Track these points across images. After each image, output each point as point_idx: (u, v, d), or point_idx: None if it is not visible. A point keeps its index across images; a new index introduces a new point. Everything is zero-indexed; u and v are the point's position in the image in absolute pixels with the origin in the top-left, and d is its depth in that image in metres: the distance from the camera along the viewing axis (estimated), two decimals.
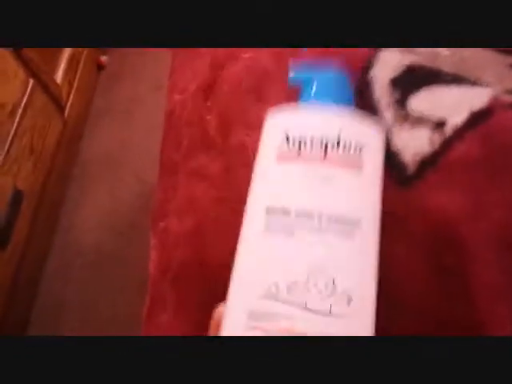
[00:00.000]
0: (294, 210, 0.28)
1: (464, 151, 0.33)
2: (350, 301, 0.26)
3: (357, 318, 0.26)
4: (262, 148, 0.32)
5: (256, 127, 0.38)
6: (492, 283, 0.30)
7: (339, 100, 0.32)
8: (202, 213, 0.38)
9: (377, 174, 0.30)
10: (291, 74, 0.35)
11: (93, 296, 0.96)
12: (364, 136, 0.30)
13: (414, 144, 0.34)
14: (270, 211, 0.28)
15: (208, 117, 0.40)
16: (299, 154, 0.29)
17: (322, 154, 0.29)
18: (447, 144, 0.34)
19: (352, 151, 0.29)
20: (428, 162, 0.34)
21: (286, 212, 0.28)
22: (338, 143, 0.29)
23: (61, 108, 1.06)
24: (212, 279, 0.35)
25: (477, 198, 0.32)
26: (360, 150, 0.30)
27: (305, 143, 0.29)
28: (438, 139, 0.34)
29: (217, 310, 0.27)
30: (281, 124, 0.31)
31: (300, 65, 0.35)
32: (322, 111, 0.31)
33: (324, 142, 0.29)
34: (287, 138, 0.30)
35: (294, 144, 0.30)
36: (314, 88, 0.33)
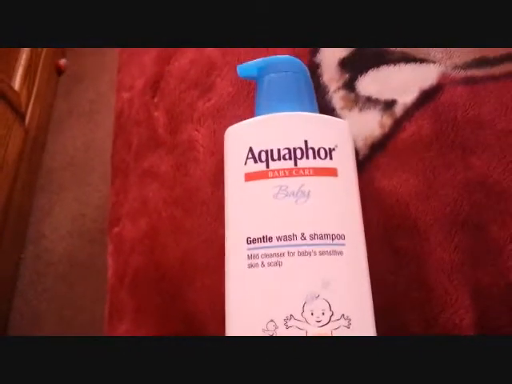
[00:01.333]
0: (276, 236, 0.27)
1: (414, 131, 0.33)
2: (349, 323, 0.25)
3: None
4: (228, 167, 0.30)
5: (204, 121, 0.37)
6: (445, 262, 0.30)
7: (299, 100, 0.31)
8: (155, 215, 0.36)
9: (352, 176, 0.29)
10: (240, 72, 0.33)
11: (68, 307, 0.94)
12: (332, 138, 0.29)
13: (365, 128, 0.34)
14: (251, 242, 0.27)
15: (156, 113, 0.39)
16: (268, 169, 0.28)
17: (292, 165, 0.28)
18: (397, 125, 0.33)
19: (322, 157, 0.28)
20: (379, 145, 0.33)
21: (267, 239, 0.27)
22: (307, 151, 0.28)
23: (21, 116, 1.03)
24: (169, 281, 0.34)
25: (427, 178, 0.31)
26: (330, 154, 0.28)
27: (272, 156, 0.28)
28: (387, 121, 0.33)
29: None
30: (243, 139, 0.29)
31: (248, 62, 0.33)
32: (284, 119, 0.29)
33: (292, 152, 0.28)
34: (252, 154, 0.28)
35: (260, 159, 0.28)
36: (270, 92, 0.31)
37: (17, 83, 1.04)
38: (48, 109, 1.13)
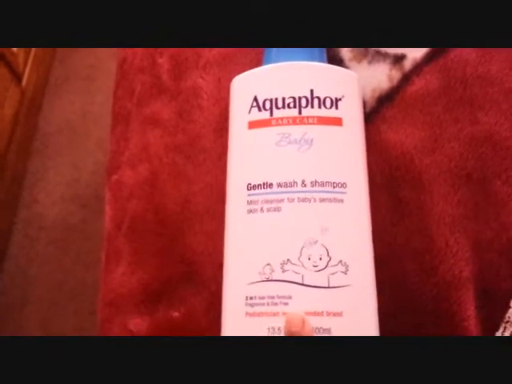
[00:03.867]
0: (276, 183, 0.26)
1: (423, 85, 0.32)
2: (347, 270, 0.25)
3: (357, 287, 0.25)
4: (232, 116, 0.30)
5: (209, 68, 0.36)
6: (447, 214, 0.30)
7: (308, 50, 0.30)
8: (156, 161, 0.36)
9: (358, 126, 0.29)
10: None
11: (59, 272, 0.94)
12: (338, 88, 0.28)
13: (373, 80, 0.33)
14: (251, 188, 0.27)
15: (160, 60, 0.38)
16: (272, 117, 0.28)
17: (297, 113, 0.27)
18: (406, 79, 0.33)
19: (328, 106, 0.28)
20: (386, 98, 0.33)
21: (268, 186, 0.27)
22: (312, 100, 0.28)
23: (17, 77, 1.01)
24: (168, 226, 0.34)
25: (433, 132, 0.31)
26: (336, 104, 0.28)
27: (276, 105, 0.28)
28: (396, 74, 0.33)
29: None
30: (248, 88, 0.29)
31: None
32: (291, 68, 0.29)
33: (297, 100, 0.28)
34: (257, 102, 0.28)
35: (264, 107, 0.28)
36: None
37: None
38: (45, 72, 1.12)
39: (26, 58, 1.04)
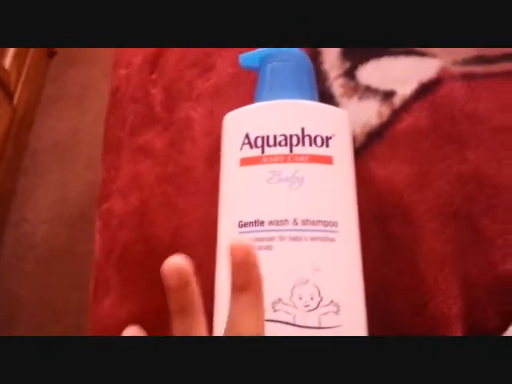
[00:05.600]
0: (268, 221, 0.26)
1: (412, 122, 0.33)
2: (338, 310, 0.25)
3: (348, 328, 0.25)
4: (224, 152, 0.30)
5: (202, 100, 0.37)
6: (436, 251, 0.30)
7: (299, 88, 0.31)
8: (147, 191, 0.36)
9: (348, 165, 0.29)
10: (242, 61, 0.33)
11: (47, 292, 0.93)
12: (329, 127, 0.29)
13: (363, 116, 0.34)
14: (242, 225, 0.27)
15: (153, 90, 0.38)
16: (263, 155, 0.28)
17: (288, 151, 0.28)
18: (395, 115, 0.33)
19: (319, 145, 0.28)
20: (376, 134, 0.33)
21: (259, 223, 0.27)
22: (303, 138, 0.28)
23: (9, 95, 1.01)
24: (157, 257, 0.34)
25: (422, 169, 0.32)
26: (327, 142, 0.28)
27: (268, 142, 0.28)
28: (386, 111, 0.34)
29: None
30: (240, 125, 0.29)
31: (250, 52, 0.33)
32: (282, 106, 0.29)
33: (288, 138, 0.28)
34: (248, 139, 0.28)
35: (256, 145, 0.28)
36: (271, 80, 0.31)
37: (7, 62, 1.02)
38: (37, 90, 1.12)
39: (18, 76, 1.05)
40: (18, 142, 1.04)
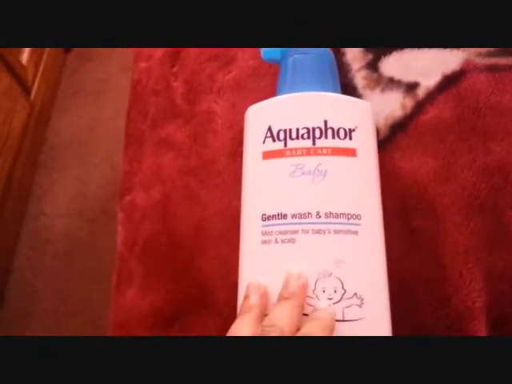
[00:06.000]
0: (291, 214, 0.27)
1: (436, 114, 0.33)
2: (362, 303, 0.25)
3: (372, 320, 0.25)
4: (246, 145, 0.30)
5: (223, 93, 0.37)
6: (461, 244, 0.30)
7: (322, 80, 0.30)
8: (170, 183, 0.36)
9: (372, 157, 0.29)
10: (264, 54, 0.33)
11: (65, 285, 0.94)
12: (352, 119, 0.29)
13: (386, 108, 0.34)
14: (266, 219, 0.27)
15: (174, 83, 0.39)
16: (286, 148, 0.28)
17: (311, 144, 0.27)
18: (419, 107, 0.33)
19: (342, 137, 0.28)
20: (399, 126, 0.33)
21: (282, 217, 0.27)
22: (326, 131, 0.28)
23: (27, 90, 1.02)
24: (180, 249, 0.34)
25: (447, 161, 0.31)
26: (350, 134, 0.28)
27: (290, 135, 0.28)
28: (409, 103, 0.33)
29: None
30: (263, 118, 0.29)
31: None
32: (304, 99, 0.29)
33: (311, 131, 0.28)
34: (271, 133, 0.28)
35: (279, 138, 0.28)
36: (293, 73, 0.31)
37: (24, 57, 1.03)
38: (54, 85, 1.13)
39: (35, 72, 1.05)
40: (35, 136, 1.05)
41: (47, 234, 0.99)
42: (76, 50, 1.16)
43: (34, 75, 1.05)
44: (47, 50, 1.11)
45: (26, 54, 1.04)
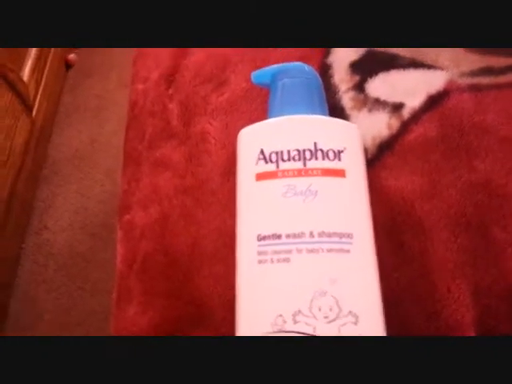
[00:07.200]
0: (285, 234, 0.27)
1: (421, 133, 0.34)
2: (357, 320, 0.26)
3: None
4: (240, 167, 0.31)
5: (217, 115, 0.38)
6: (448, 260, 0.31)
7: (310, 103, 0.32)
8: (166, 202, 0.37)
9: (360, 177, 0.30)
10: (254, 78, 0.34)
11: (67, 298, 0.95)
12: (341, 141, 0.30)
13: (373, 128, 0.35)
14: (261, 239, 0.28)
15: (170, 105, 0.40)
16: (278, 170, 0.29)
17: (301, 166, 0.28)
18: (405, 127, 0.34)
19: (331, 158, 0.29)
20: (386, 146, 0.34)
21: (277, 237, 0.27)
22: (316, 152, 0.29)
23: (28, 107, 1.04)
24: (177, 267, 0.35)
25: (432, 179, 0.32)
26: (339, 155, 0.29)
27: (282, 157, 0.29)
28: (395, 123, 0.35)
29: None
30: (255, 141, 0.30)
31: (262, 69, 0.34)
32: (294, 122, 0.30)
33: (301, 153, 0.29)
34: (263, 155, 0.29)
35: (271, 160, 0.29)
36: (283, 96, 0.32)
37: (26, 75, 1.05)
38: (55, 101, 1.14)
39: (36, 88, 1.07)
40: (37, 152, 1.06)
41: (50, 248, 1.00)
42: (76, 66, 1.18)
43: (36, 92, 1.07)
44: (48, 66, 1.12)
45: (27, 70, 1.05)
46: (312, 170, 0.29)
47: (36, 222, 1.02)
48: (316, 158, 0.29)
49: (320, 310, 0.26)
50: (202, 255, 0.34)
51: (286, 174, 0.29)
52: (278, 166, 0.29)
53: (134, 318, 0.36)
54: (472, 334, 0.30)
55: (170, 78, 0.41)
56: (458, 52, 0.37)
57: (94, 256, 0.95)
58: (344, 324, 0.26)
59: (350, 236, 0.27)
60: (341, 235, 0.27)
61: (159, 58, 0.43)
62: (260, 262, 0.27)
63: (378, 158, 0.34)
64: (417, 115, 0.34)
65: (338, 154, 0.29)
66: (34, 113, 1.06)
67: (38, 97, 1.08)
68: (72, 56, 1.20)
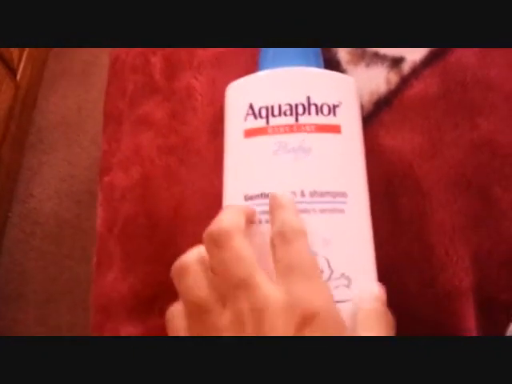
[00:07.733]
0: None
1: (421, 89, 0.32)
2: (349, 283, 0.24)
3: None
4: (227, 124, 0.29)
5: (203, 69, 0.36)
6: (447, 223, 0.29)
7: (304, 55, 0.29)
8: (148, 163, 0.35)
9: (356, 134, 0.28)
10: None
11: (54, 266, 0.94)
12: (336, 95, 0.28)
13: (370, 84, 0.32)
14: (248, 199, 0.26)
15: (153, 59, 0.37)
16: (268, 126, 0.27)
17: (293, 121, 0.26)
18: (404, 82, 0.32)
19: (326, 113, 0.27)
20: (384, 102, 0.32)
21: (265, 197, 0.25)
22: (309, 107, 0.27)
23: (12, 71, 1.00)
24: (160, 230, 0.33)
25: (432, 137, 0.30)
26: (334, 110, 0.27)
27: (272, 112, 0.27)
28: (394, 78, 0.32)
29: (169, 310, 0.25)
30: (244, 95, 0.28)
31: None
32: (286, 74, 0.28)
33: (293, 108, 0.27)
34: (253, 110, 0.27)
35: (260, 115, 0.27)
36: (274, 48, 0.29)
37: None
38: (40, 67, 1.11)
39: (20, 53, 1.03)
40: (22, 118, 1.03)
41: (36, 216, 0.98)
42: None
43: (20, 56, 1.03)
44: None
45: None
46: (305, 125, 0.27)
47: (22, 189, 1.00)
48: (309, 113, 0.27)
49: None
50: (185, 217, 0.33)
51: (276, 130, 0.27)
52: (268, 122, 0.27)
53: (114, 284, 0.34)
54: (470, 300, 0.28)
55: None
56: None
57: (81, 223, 0.93)
58: (336, 287, 0.24)
59: (344, 195, 0.26)
60: (334, 194, 0.26)
61: None
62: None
63: (374, 114, 0.32)
64: (417, 69, 0.32)
65: (332, 109, 0.27)
66: (18, 77, 1.02)
67: (23, 61, 1.04)
68: None
